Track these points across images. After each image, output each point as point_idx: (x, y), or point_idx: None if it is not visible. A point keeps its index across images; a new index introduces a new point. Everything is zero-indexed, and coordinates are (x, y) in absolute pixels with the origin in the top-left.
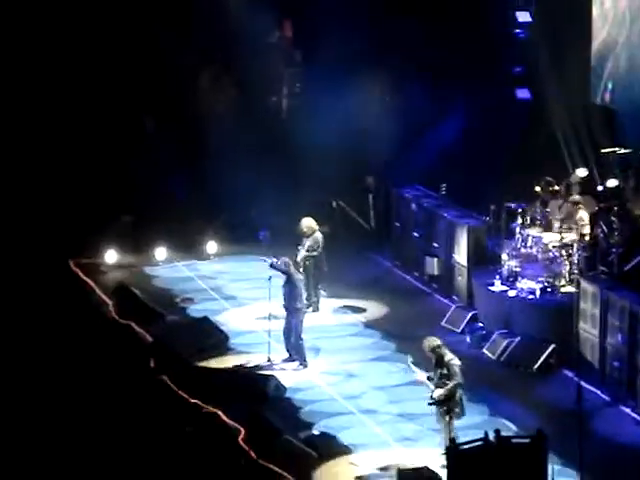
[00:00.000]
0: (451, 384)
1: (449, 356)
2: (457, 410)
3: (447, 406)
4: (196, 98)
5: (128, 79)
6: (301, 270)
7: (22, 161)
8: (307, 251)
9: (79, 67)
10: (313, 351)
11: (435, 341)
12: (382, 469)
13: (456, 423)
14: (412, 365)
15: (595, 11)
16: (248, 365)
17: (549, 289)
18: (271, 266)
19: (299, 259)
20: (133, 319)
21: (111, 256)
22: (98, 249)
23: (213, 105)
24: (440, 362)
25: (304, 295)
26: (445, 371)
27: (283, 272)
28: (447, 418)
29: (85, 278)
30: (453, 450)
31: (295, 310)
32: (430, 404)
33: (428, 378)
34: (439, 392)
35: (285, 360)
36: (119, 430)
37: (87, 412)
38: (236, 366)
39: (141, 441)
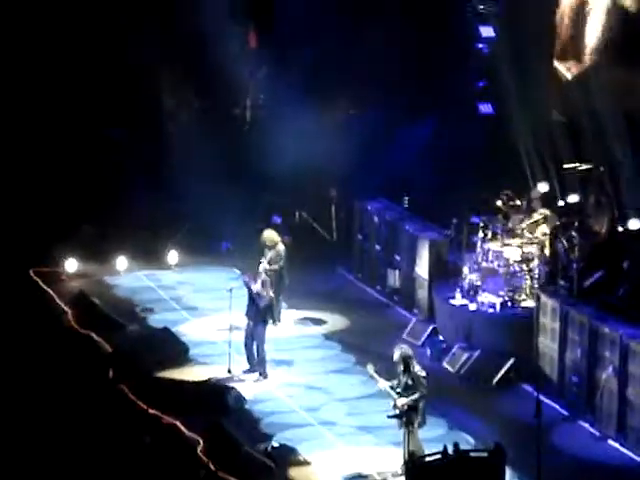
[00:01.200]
0: (416, 395)
1: (417, 368)
2: (419, 420)
3: (408, 417)
4: (160, 108)
5: (92, 89)
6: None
7: None
8: (269, 263)
9: (41, 75)
10: (273, 363)
11: (409, 350)
12: (351, 478)
13: (420, 434)
14: (374, 374)
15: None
16: (209, 377)
17: (509, 303)
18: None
19: (261, 271)
20: (93, 329)
21: (72, 265)
22: (59, 258)
23: (176, 115)
24: (407, 372)
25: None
26: (410, 382)
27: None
28: (408, 429)
29: (45, 287)
30: (412, 463)
31: (262, 322)
32: (390, 417)
33: (391, 387)
34: (403, 401)
35: (245, 371)
36: (77, 440)
37: (44, 421)
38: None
39: (99, 451)
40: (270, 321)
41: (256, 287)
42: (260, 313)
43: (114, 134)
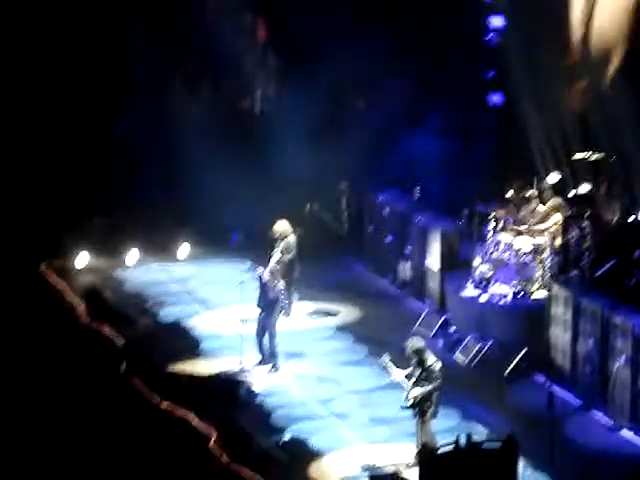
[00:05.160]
0: (430, 386)
1: (431, 359)
2: (432, 411)
3: (421, 408)
4: (171, 100)
5: (103, 79)
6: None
7: None
8: (281, 254)
9: (50, 66)
10: (285, 355)
11: (419, 343)
12: (365, 469)
13: (433, 425)
14: (389, 364)
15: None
16: (220, 370)
17: (521, 294)
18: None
19: (272, 263)
20: (104, 323)
21: (83, 258)
22: (70, 251)
23: (188, 107)
24: (421, 364)
25: (281, 299)
26: (424, 373)
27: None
28: (421, 420)
29: (56, 281)
30: (424, 454)
31: (272, 313)
32: (404, 407)
33: (406, 377)
34: (416, 392)
35: (257, 364)
36: (89, 435)
37: (57, 416)
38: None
39: (111, 445)
40: (282, 312)
41: (265, 277)
42: (270, 304)
43: (122, 127)
